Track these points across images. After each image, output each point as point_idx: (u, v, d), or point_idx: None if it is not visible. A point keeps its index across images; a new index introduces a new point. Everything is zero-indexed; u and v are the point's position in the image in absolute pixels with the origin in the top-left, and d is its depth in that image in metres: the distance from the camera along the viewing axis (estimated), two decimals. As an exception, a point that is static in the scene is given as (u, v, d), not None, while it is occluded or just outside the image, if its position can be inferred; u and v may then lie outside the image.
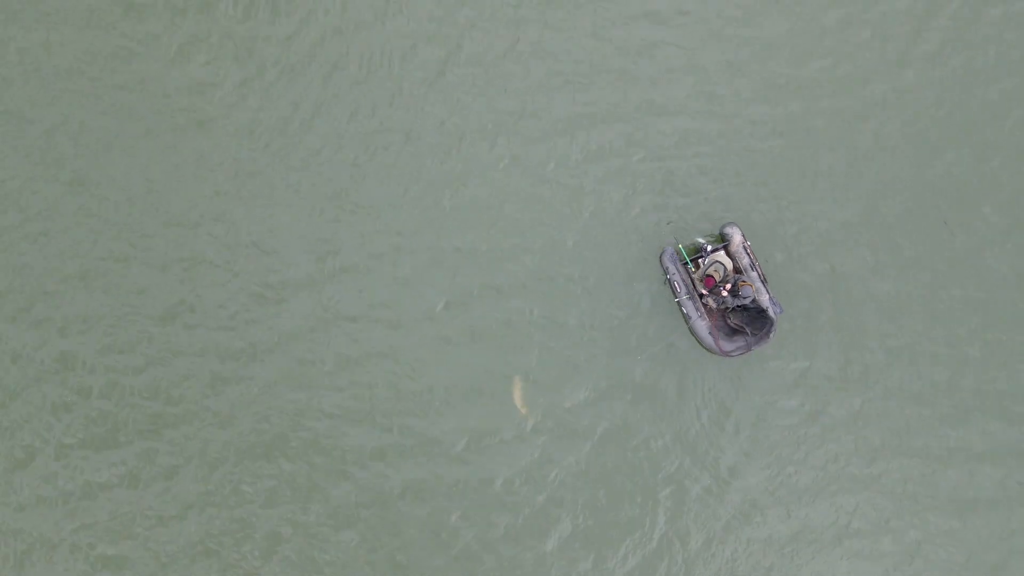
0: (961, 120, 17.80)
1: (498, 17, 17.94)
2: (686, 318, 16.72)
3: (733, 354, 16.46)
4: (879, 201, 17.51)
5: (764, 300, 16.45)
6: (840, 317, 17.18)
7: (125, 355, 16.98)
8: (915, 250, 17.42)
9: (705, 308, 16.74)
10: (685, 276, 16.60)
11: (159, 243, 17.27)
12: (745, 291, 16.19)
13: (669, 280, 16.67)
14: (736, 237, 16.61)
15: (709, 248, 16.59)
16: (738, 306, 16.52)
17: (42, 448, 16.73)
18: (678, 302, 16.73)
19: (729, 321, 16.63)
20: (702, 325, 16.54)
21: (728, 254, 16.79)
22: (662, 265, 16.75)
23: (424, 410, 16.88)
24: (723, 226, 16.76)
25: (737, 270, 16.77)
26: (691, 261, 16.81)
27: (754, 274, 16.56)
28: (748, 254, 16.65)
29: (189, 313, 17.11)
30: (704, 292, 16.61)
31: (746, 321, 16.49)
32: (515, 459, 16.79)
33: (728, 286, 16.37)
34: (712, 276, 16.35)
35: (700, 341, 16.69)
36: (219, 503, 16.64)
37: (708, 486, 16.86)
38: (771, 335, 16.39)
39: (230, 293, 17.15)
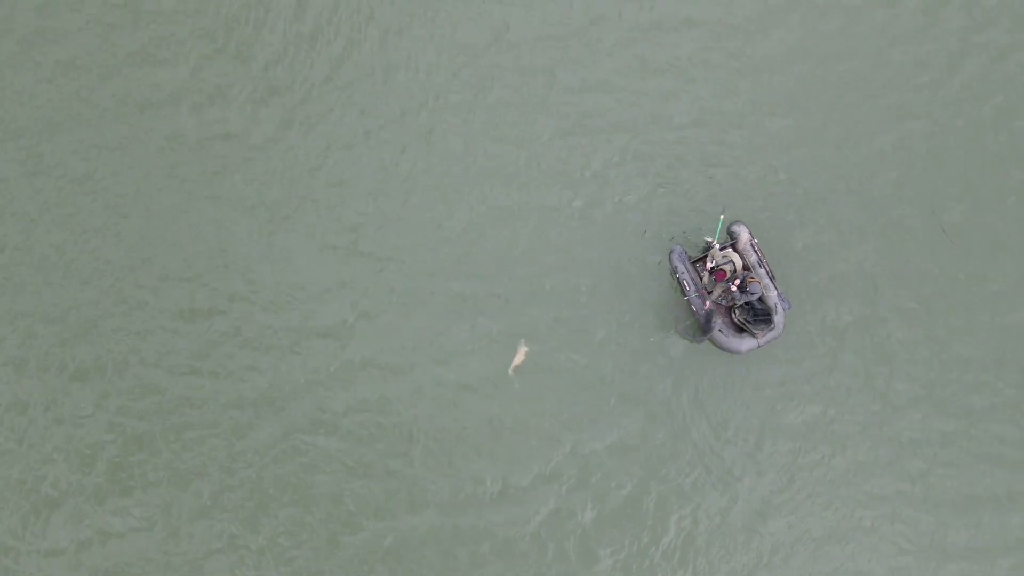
0: (977, 124, 18.10)
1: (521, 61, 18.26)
2: (695, 315, 16.93)
3: (742, 350, 16.64)
4: (890, 203, 17.79)
5: (772, 296, 16.64)
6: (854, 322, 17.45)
7: (137, 400, 17.06)
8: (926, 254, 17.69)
9: (714, 306, 16.95)
10: (694, 274, 16.78)
11: (175, 291, 17.36)
12: (753, 287, 16.37)
13: (678, 279, 16.85)
14: (743, 235, 16.79)
15: (717, 246, 16.76)
16: (744, 303, 16.73)
17: (61, 498, 16.71)
18: (687, 300, 16.92)
19: (735, 318, 16.83)
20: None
21: (736, 251, 16.97)
22: (671, 264, 16.93)
23: (437, 458, 16.90)
24: (730, 224, 16.94)
25: (745, 267, 16.94)
26: (699, 259, 17.06)
27: (762, 271, 16.75)
28: (756, 251, 16.84)
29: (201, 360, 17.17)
30: (711, 290, 16.79)
31: (751, 319, 16.68)
32: (536, 505, 16.69)
33: (737, 282, 16.54)
34: (724, 270, 16.52)
35: (710, 338, 16.87)
36: (232, 550, 16.57)
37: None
38: (780, 332, 16.58)
39: (242, 341, 17.23)
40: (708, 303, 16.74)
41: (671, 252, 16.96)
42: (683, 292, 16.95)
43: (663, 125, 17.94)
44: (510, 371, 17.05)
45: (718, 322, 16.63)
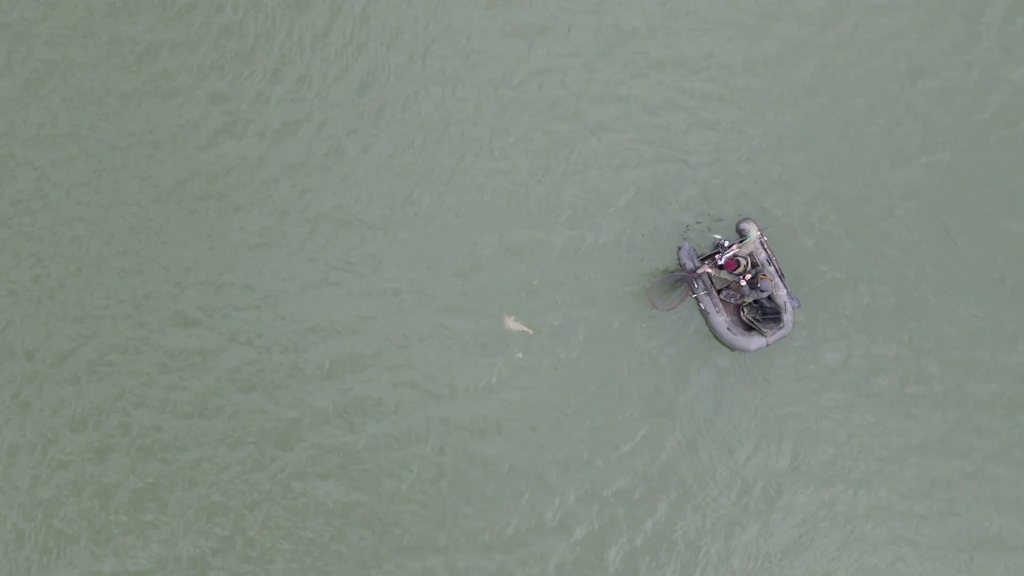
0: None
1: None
2: (704, 314, 16.82)
3: (751, 349, 16.55)
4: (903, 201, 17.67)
5: (782, 295, 16.54)
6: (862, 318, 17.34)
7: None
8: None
9: (723, 303, 16.86)
10: (710, 273, 16.69)
11: (177, 329, 17.03)
12: (764, 284, 16.26)
13: (686, 271, 16.74)
14: (753, 232, 16.66)
15: (726, 243, 16.64)
16: (753, 301, 16.65)
17: (77, 534, 16.50)
18: (695, 298, 16.82)
19: (743, 316, 16.75)
20: (720, 320, 16.63)
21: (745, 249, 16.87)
22: (679, 261, 16.81)
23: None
24: (739, 221, 16.82)
25: (754, 264, 16.84)
26: (707, 257, 16.93)
27: (771, 268, 16.64)
28: (765, 249, 16.72)
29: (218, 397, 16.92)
30: (720, 282, 16.69)
31: (759, 317, 16.60)
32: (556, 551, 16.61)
33: (748, 277, 16.43)
34: (738, 261, 16.39)
35: (718, 336, 16.80)
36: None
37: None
38: (789, 330, 16.49)
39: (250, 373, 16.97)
40: (719, 302, 16.66)
41: (680, 249, 16.82)
42: (691, 290, 16.84)
43: (684, 161, 17.62)
44: (511, 325, 17.03)
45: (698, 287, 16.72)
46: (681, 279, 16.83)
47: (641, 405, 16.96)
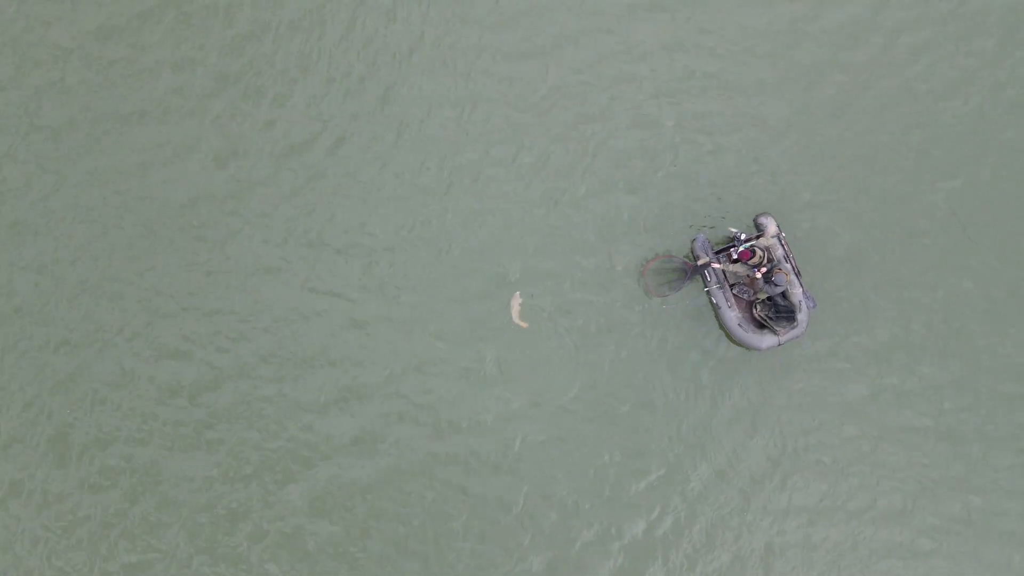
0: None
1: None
2: (715, 308, 16.24)
3: (762, 347, 15.87)
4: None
5: (797, 293, 15.94)
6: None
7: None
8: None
9: (735, 298, 16.29)
10: (720, 267, 16.16)
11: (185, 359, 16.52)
12: (779, 279, 15.68)
13: (700, 264, 16.21)
14: (771, 227, 16.17)
15: (743, 237, 16.16)
16: (767, 298, 16.07)
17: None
18: (707, 291, 16.26)
19: (755, 313, 16.14)
20: (731, 315, 16.03)
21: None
22: (693, 252, 16.32)
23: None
24: (757, 216, 16.37)
25: (770, 259, 16.31)
26: (723, 250, 16.45)
27: (788, 266, 16.09)
28: (782, 245, 16.21)
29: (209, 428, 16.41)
30: (733, 276, 16.15)
31: (772, 315, 15.99)
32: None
33: (763, 270, 15.88)
34: (754, 250, 15.85)
35: (729, 332, 16.21)
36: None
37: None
38: (803, 331, 15.85)
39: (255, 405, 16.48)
40: (732, 298, 16.10)
41: (694, 240, 16.34)
42: (704, 283, 16.30)
43: (708, 186, 17.16)
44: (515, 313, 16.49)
45: (688, 281, 16.30)
46: (680, 266, 16.32)
47: (662, 435, 16.38)
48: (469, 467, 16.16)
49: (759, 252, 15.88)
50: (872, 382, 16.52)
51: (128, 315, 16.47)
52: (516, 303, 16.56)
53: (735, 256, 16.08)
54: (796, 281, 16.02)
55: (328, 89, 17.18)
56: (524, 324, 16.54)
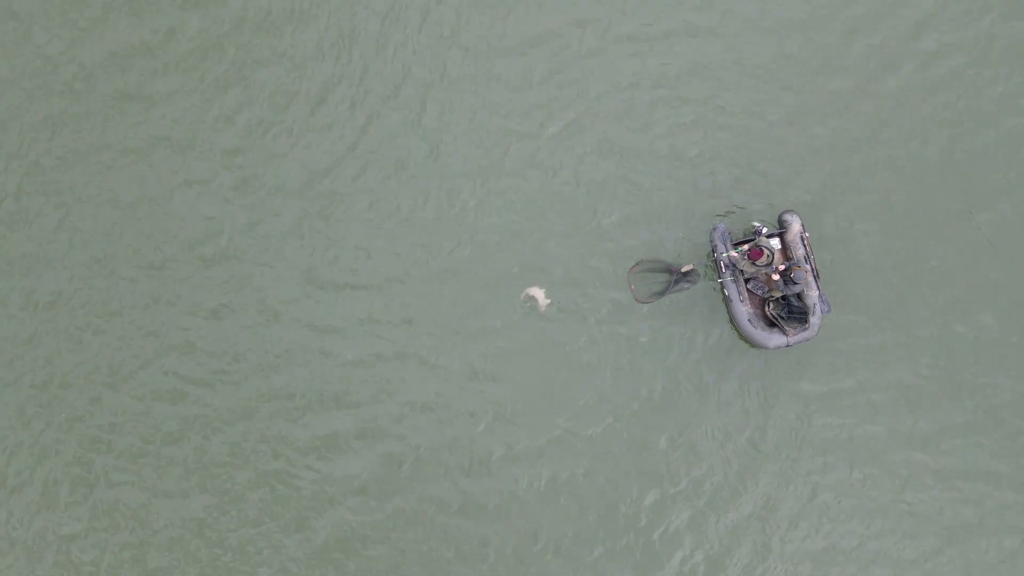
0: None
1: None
2: (727, 300, 15.89)
3: (769, 346, 15.53)
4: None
5: (813, 295, 15.57)
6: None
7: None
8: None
9: (748, 294, 15.95)
10: (734, 257, 15.81)
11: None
12: (798, 275, 15.31)
13: (716, 258, 15.86)
14: (795, 226, 15.78)
15: (764, 231, 15.78)
16: (781, 297, 15.73)
17: None
18: (721, 282, 15.91)
19: (768, 311, 15.80)
20: (742, 310, 15.69)
21: (783, 243, 15.97)
22: (711, 241, 15.96)
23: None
24: (782, 212, 15.97)
25: (788, 258, 15.95)
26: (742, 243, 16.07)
27: (807, 267, 15.71)
28: (804, 245, 15.81)
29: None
30: (748, 275, 15.78)
31: (784, 314, 15.65)
32: None
33: (782, 268, 15.52)
34: (762, 249, 15.49)
35: (738, 326, 15.87)
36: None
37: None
38: (813, 334, 15.50)
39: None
40: (746, 296, 15.77)
41: (714, 229, 15.96)
42: (718, 273, 15.95)
43: (704, 188, 16.62)
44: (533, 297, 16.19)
45: (685, 285, 15.95)
46: (665, 268, 16.05)
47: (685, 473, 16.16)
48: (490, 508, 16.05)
49: (766, 252, 15.50)
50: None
51: (130, 352, 16.31)
52: (538, 295, 16.24)
53: (745, 248, 15.71)
54: (813, 283, 15.65)
55: (332, 124, 16.80)
56: (543, 304, 16.26)
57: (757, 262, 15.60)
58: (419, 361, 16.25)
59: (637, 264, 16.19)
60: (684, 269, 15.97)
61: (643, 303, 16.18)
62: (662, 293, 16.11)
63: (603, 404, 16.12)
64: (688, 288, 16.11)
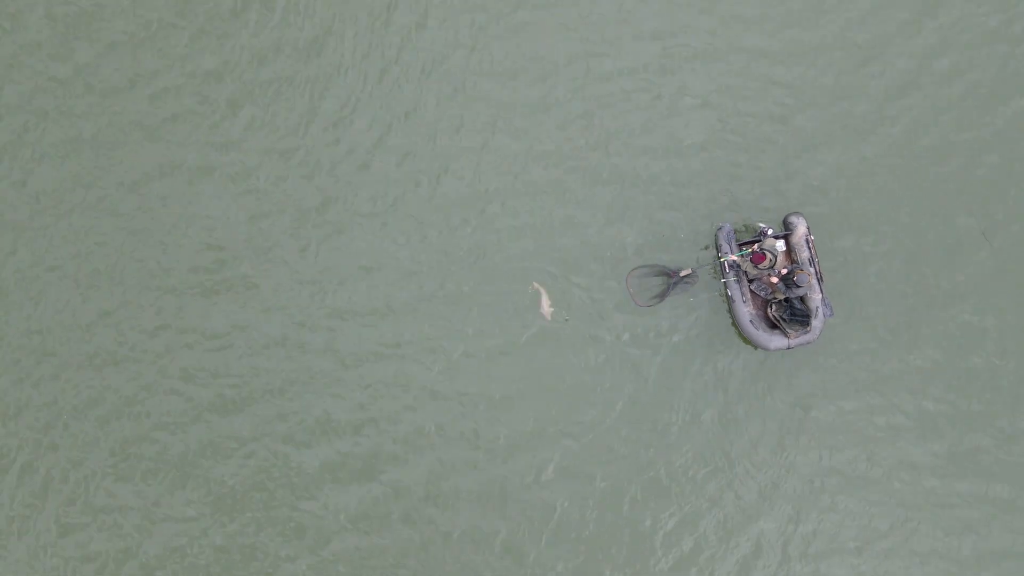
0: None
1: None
2: (729, 300, 15.86)
3: (770, 347, 15.44)
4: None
5: (816, 298, 15.49)
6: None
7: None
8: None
9: (751, 295, 15.91)
10: (734, 260, 15.80)
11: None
12: (801, 279, 15.25)
13: (720, 258, 15.86)
14: (800, 228, 15.75)
15: (770, 232, 15.76)
16: (784, 299, 15.65)
17: None
18: (724, 282, 15.89)
19: (770, 312, 15.73)
20: (744, 311, 15.65)
21: (788, 245, 15.92)
22: (716, 241, 15.97)
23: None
24: (788, 215, 15.95)
25: (792, 261, 15.89)
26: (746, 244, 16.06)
27: (811, 270, 15.63)
28: (809, 248, 15.75)
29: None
30: (751, 275, 15.74)
31: (786, 316, 15.57)
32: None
33: (784, 271, 15.47)
34: (764, 253, 15.48)
35: (740, 327, 15.83)
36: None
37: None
38: (814, 337, 15.40)
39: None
40: (748, 294, 15.73)
41: (719, 228, 15.98)
42: (722, 273, 15.94)
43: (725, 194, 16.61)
44: (545, 310, 16.20)
45: (679, 288, 15.97)
46: (663, 272, 16.04)
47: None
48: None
49: (769, 256, 15.47)
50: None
51: (131, 380, 16.29)
52: (544, 303, 16.31)
53: (745, 251, 15.68)
54: (816, 286, 15.57)
55: (336, 151, 16.83)
56: (548, 311, 16.33)
57: (759, 265, 15.57)
58: (426, 385, 16.20)
59: (635, 269, 16.22)
60: (683, 273, 15.96)
61: (642, 307, 16.18)
62: (661, 297, 16.11)
63: (612, 431, 16.06)
64: (686, 291, 16.08)
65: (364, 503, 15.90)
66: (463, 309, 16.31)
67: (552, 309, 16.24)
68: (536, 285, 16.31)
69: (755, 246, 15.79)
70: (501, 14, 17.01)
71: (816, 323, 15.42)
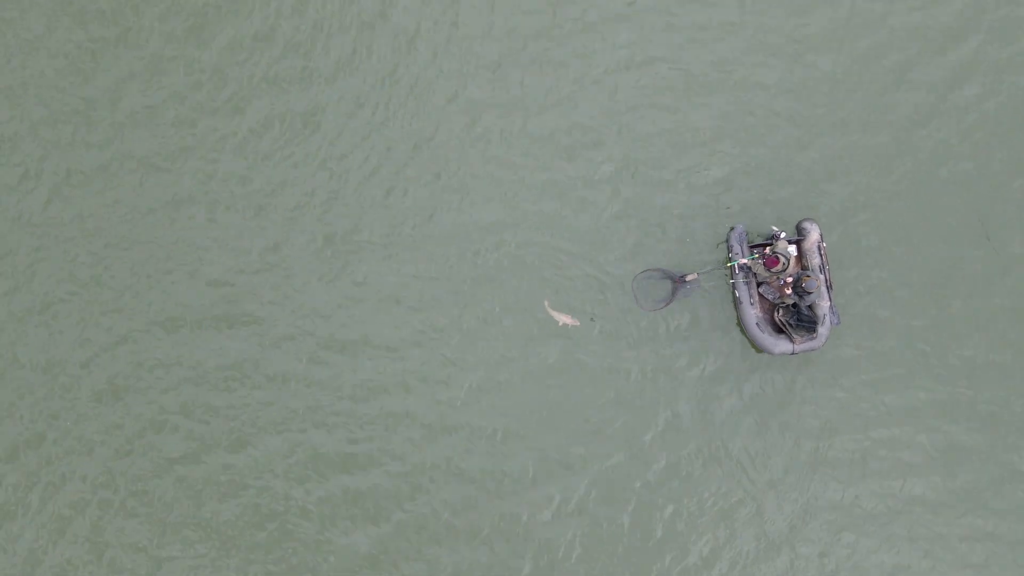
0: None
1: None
2: (737, 302, 15.75)
3: (775, 351, 15.35)
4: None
5: (824, 306, 15.39)
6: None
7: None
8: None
9: (759, 297, 15.79)
10: (744, 264, 15.68)
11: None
12: (809, 284, 15.13)
13: (731, 259, 15.74)
14: (813, 234, 15.64)
15: (783, 236, 15.64)
16: (792, 304, 15.54)
17: None
18: (733, 283, 15.77)
19: (777, 316, 15.61)
20: (751, 313, 15.55)
21: (800, 250, 15.81)
22: (728, 242, 15.85)
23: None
24: (802, 220, 15.83)
25: (803, 268, 15.77)
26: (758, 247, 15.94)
27: (821, 277, 15.52)
28: (821, 255, 15.65)
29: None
30: (761, 279, 15.62)
31: (793, 321, 15.46)
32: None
33: (790, 279, 15.35)
34: (778, 257, 15.35)
35: (745, 329, 15.76)
36: None
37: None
38: (820, 344, 15.32)
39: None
40: (757, 298, 15.63)
41: (732, 229, 15.85)
42: (732, 275, 15.82)
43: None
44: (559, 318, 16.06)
45: (684, 292, 15.89)
46: (668, 276, 15.97)
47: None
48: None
49: (782, 259, 15.34)
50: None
51: (141, 413, 16.19)
52: (559, 316, 16.19)
53: (755, 255, 15.57)
54: (825, 293, 15.47)
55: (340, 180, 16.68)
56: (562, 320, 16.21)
57: (772, 269, 15.46)
58: (437, 419, 16.11)
59: (641, 273, 16.10)
60: (688, 277, 15.84)
61: (648, 311, 16.05)
62: (666, 301, 15.98)
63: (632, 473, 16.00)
64: (691, 295, 15.97)
65: (374, 541, 15.81)
66: (474, 339, 16.20)
67: (571, 319, 16.10)
68: (547, 305, 16.16)
69: (767, 249, 15.66)
70: (521, 45, 16.81)
71: (822, 330, 15.34)
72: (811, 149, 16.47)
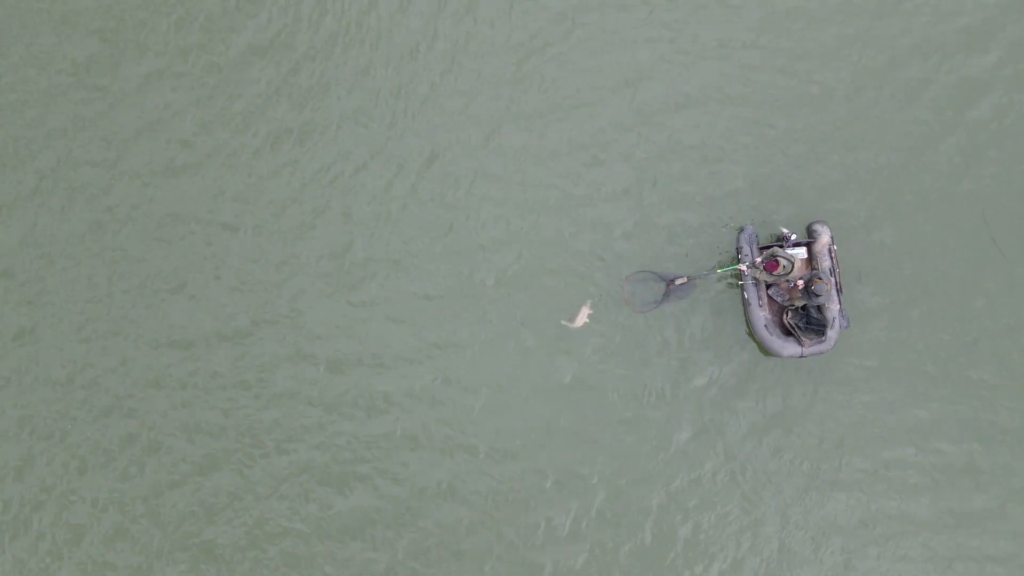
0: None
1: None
2: (745, 303, 15.58)
3: (783, 354, 15.10)
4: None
5: (833, 309, 15.17)
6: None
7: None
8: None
9: (768, 299, 15.62)
10: (744, 270, 15.58)
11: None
12: (819, 288, 14.93)
13: (740, 260, 15.65)
14: (823, 237, 15.51)
15: (793, 238, 15.54)
16: (801, 307, 15.34)
17: None
18: (741, 285, 15.64)
19: (785, 319, 15.40)
20: (760, 315, 15.36)
21: (810, 253, 15.67)
22: (738, 242, 15.78)
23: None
24: (812, 222, 15.73)
25: (813, 269, 15.62)
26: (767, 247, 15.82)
27: (831, 280, 15.34)
28: (831, 258, 15.50)
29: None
30: (768, 280, 15.48)
31: (802, 324, 15.23)
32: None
33: (800, 282, 15.18)
34: (778, 260, 15.19)
35: (753, 331, 15.55)
36: None
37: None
38: (829, 347, 15.05)
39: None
40: (764, 301, 15.47)
41: (741, 230, 15.79)
42: (740, 276, 15.69)
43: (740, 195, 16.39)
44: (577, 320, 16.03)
45: (677, 293, 15.79)
46: (660, 279, 15.88)
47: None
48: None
49: (783, 263, 15.22)
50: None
51: (141, 435, 16.22)
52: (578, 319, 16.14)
53: (760, 258, 15.44)
54: (835, 296, 15.26)
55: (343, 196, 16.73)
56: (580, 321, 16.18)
57: (773, 272, 15.31)
58: (451, 435, 16.03)
59: (633, 274, 16.06)
60: (678, 281, 15.77)
61: (638, 312, 15.96)
62: (657, 303, 15.90)
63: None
64: (683, 299, 15.87)
65: (379, 563, 15.66)
66: (486, 357, 16.13)
67: (587, 307, 16.05)
68: (563, 322, 16.12)
69: (768, 251, 15.57)
70: (533, 54, 16.93)
71: (832, 333, 15.09)
72: (823, 164, 16.43)
